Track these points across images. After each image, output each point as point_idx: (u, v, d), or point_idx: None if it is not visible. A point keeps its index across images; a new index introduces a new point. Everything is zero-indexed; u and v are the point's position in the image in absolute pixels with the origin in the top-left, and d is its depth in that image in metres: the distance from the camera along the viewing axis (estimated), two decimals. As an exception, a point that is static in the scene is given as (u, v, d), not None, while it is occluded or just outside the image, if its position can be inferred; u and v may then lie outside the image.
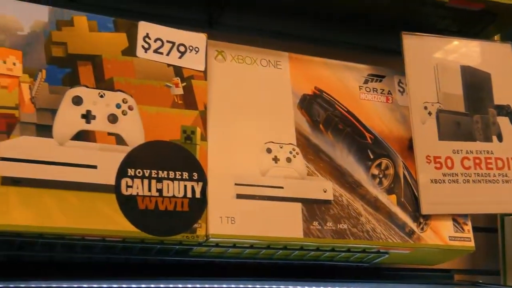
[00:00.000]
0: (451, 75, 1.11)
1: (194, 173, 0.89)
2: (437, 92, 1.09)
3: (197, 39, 0.95)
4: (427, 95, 1.08)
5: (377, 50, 1.21)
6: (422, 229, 1.03)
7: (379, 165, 1.04)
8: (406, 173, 1.06)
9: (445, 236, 1.04)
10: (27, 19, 0.85)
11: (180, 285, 0.87)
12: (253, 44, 1.10)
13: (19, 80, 0.82)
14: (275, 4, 1.10)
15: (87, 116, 0.85)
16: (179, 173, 0.88)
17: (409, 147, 1.07)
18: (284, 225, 0.93)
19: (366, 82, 1.09)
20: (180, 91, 0.92)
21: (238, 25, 1.13)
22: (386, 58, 1.16)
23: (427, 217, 1.04)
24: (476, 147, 1.09)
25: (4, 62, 0.82)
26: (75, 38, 0.87)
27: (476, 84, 1.12)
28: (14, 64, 0.82)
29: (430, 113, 1.08)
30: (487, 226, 1.28)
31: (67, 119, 0.83)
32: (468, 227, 1.06)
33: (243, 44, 1.04)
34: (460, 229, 1.05)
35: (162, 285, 0.86)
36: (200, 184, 0.89)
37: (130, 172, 0.85)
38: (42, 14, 0.86)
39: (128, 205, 0.84)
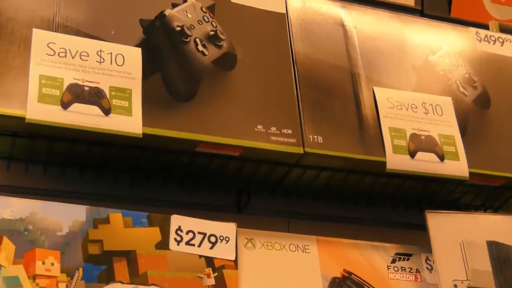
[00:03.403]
0: (478, 251, 1.12)
1: None
2: (466, 269, 1.10)
3: (227, 229, 0.99)
4: (455, 272, 1.09)
5: (404, 226, 1.23)
6: None
7: None
8: None
9: None
10: (66, 220, 0.89)
11: None
12: (282, 226, 1.14)
13: (57, 280, 0.86)
14: (302, 188, 1.15)
15: (122, 313, 0.87)
16: None
17: (442, 327, 1.06)
18: None
19: (393, 261, 1.10)
20: (212, 281, 0.94)
21: (266, 209, 1.16)
22: (413, 233, 1.18)
23: None
24: (511, 323, 1.08)
25: (43, 263, 0.85)
26: (111, 235, 0.91)
27: (504, 259, 1.13)
28: (52, 264, 0.86)
29: (460, 291, 1.08)
30: None
31: (103, 317, 0.85)
32: None
33: (271, 226, 1.07)
34: None
35: None
36: None
37: None
38: (80, 213, 0.91)
39: None
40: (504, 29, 1.35)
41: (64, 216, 0.89)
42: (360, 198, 1.20)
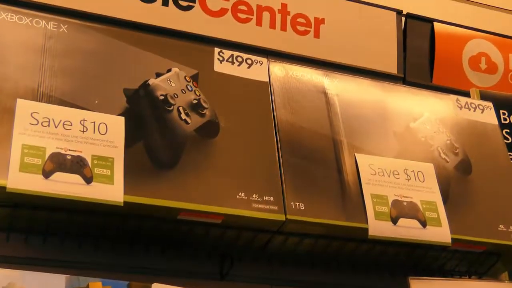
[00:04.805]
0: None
1: None
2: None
3: (208, 297, 0.98)
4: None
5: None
6: None
7: None
8: None
9: None
10: (45, 292, 0.89)
11: None
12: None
13: None
14: (284, 255, 1.14)
15: None
16: None
17: None
18: None
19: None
20: None
21: (249, 276, 1.16)
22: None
23: None
24: None
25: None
26: (90, 302, 0.91)
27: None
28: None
29: None
30: None
31: None
32: None
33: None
34: None
35: None
36: None
37: None
38: (59, 283, 0.90)
39: None
40: (484, 96, 1.38)
41: (43, 286, 0.88)
42: (344, 264, 1.19)
